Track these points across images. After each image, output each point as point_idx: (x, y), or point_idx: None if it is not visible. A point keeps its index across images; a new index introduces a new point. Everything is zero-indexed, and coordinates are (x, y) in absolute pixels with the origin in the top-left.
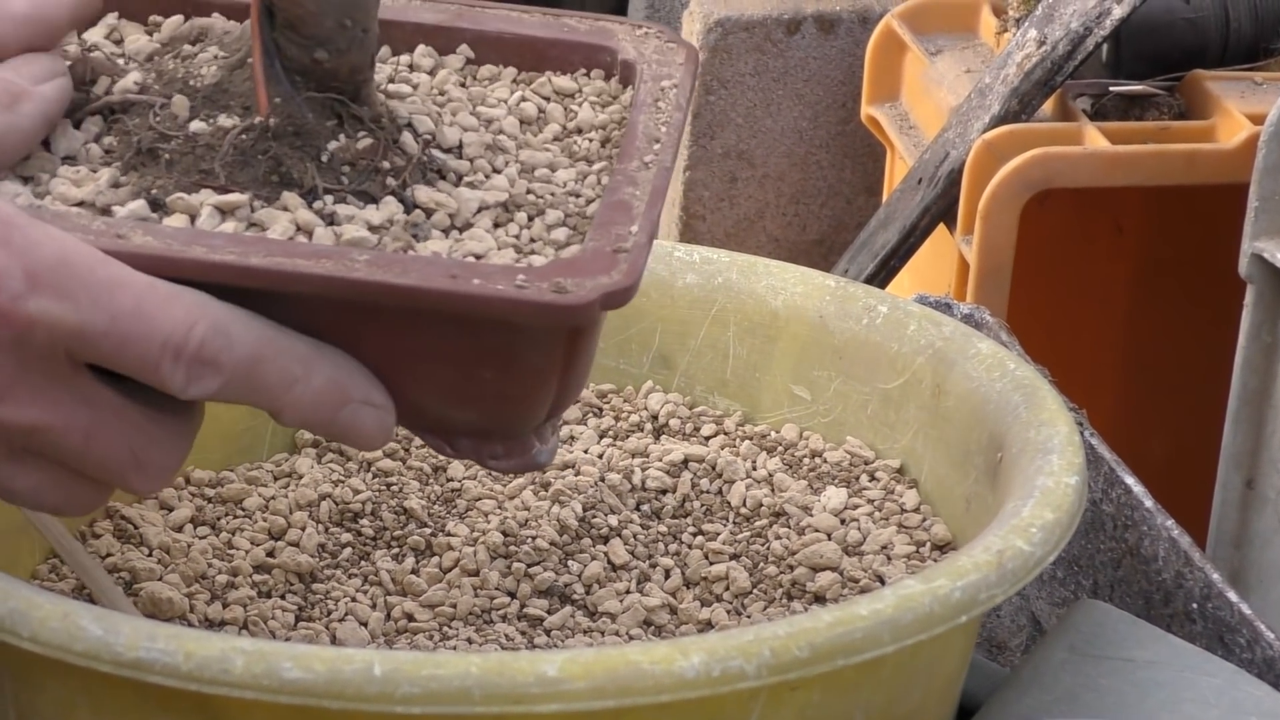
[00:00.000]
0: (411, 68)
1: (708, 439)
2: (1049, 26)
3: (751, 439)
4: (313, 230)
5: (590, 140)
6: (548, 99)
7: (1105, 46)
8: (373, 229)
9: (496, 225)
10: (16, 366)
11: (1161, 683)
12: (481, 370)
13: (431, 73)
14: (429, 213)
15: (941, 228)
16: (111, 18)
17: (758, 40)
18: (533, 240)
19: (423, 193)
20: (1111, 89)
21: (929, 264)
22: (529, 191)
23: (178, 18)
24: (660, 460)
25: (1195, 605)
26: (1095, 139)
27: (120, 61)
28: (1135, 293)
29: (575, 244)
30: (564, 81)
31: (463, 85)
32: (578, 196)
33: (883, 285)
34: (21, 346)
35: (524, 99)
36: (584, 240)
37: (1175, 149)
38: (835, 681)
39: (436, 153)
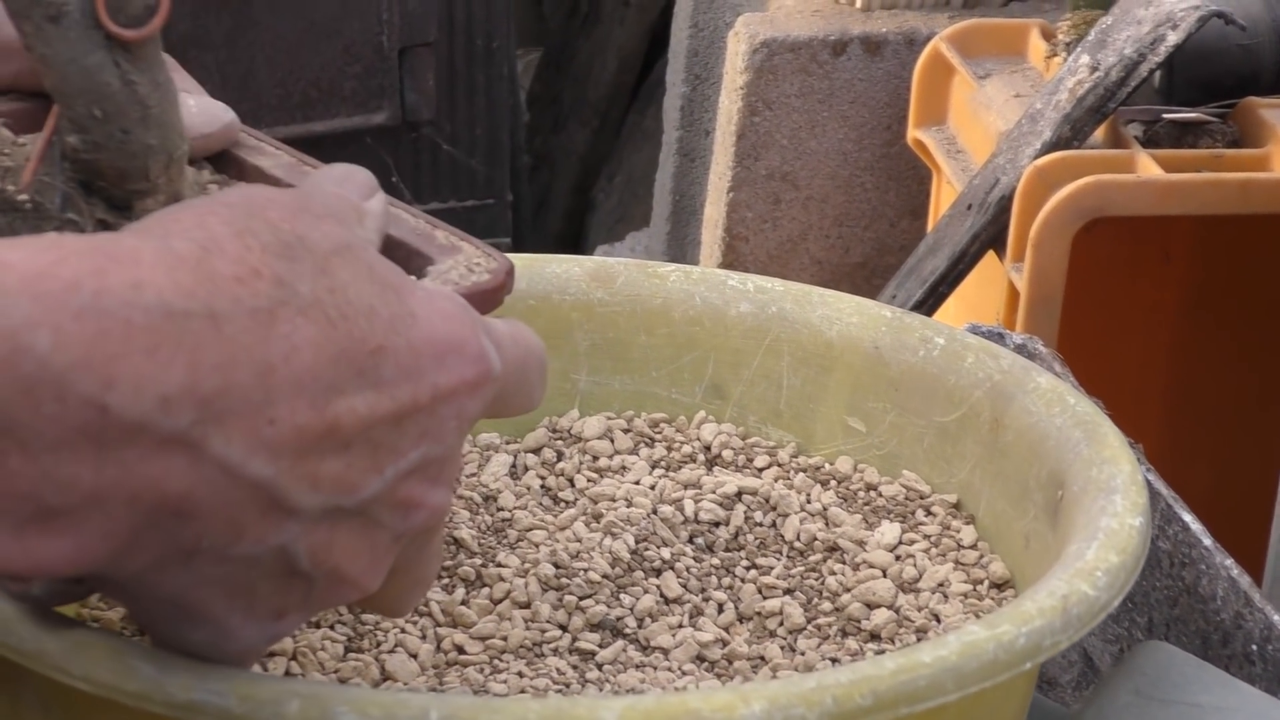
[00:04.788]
0: None
1: (761, 471)
2: (1102, 52)
3: (806, 471)
4: None
5: None
6: None
7: (1158, 73)
8: None
9: None
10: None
11: None
12: None
13: None
14: None
15: (990, 254)
16: None
17: (803, 61)
18: None
19: None
20: (1164, 116)
21: (977, 291)
22: None
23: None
24: (713, 492)
25: (1255, 647)
26: (1148, 166)
27: None
28: (1183, 321)
29: None
30: None
31: None
32: None
33: (931, 312)
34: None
35: None
36: None
37: (1230, 178)
38: None
39: None
